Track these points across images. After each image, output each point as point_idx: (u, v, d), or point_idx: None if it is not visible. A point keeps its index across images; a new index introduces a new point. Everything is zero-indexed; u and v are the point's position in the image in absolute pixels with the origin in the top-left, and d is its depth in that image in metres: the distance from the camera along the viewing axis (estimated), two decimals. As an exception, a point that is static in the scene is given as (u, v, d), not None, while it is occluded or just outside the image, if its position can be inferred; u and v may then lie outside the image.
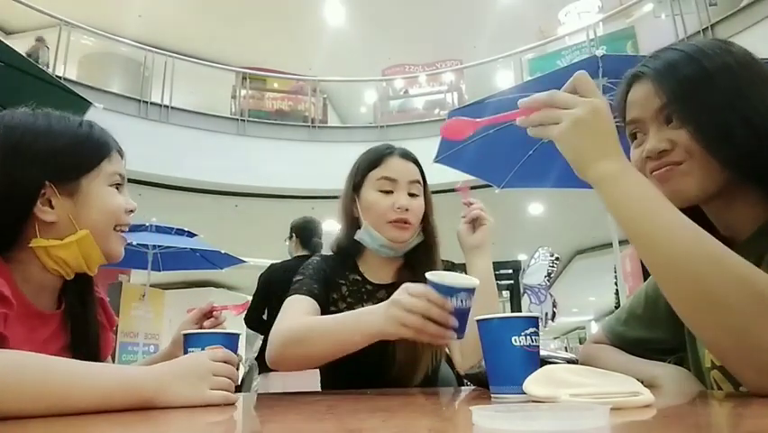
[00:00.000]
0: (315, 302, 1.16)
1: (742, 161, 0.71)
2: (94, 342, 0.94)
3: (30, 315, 0.86)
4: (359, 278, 1.28)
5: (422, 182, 1.26)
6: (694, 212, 0.75)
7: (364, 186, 1.25)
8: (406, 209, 1.20)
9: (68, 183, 0.85)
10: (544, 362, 0.74)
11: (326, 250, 1.38)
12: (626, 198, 0.66)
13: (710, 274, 0.60)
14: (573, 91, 0.72)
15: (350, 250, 1.29)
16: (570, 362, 0.92)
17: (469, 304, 0.86)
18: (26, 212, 0.83)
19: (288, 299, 1.17)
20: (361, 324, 0.93)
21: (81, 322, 0.93)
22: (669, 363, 0.91)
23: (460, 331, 0.85)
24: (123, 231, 0.93)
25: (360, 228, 1.25)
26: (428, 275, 0.85)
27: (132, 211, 0.93)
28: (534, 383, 0.64)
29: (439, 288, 0.84)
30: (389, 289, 1.22)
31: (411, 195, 1.23)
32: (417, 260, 1.24)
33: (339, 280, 1.26)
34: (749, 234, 0.75)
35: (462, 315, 0.85)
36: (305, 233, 3.38)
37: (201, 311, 1.16)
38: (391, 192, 1.22)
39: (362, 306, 1.20)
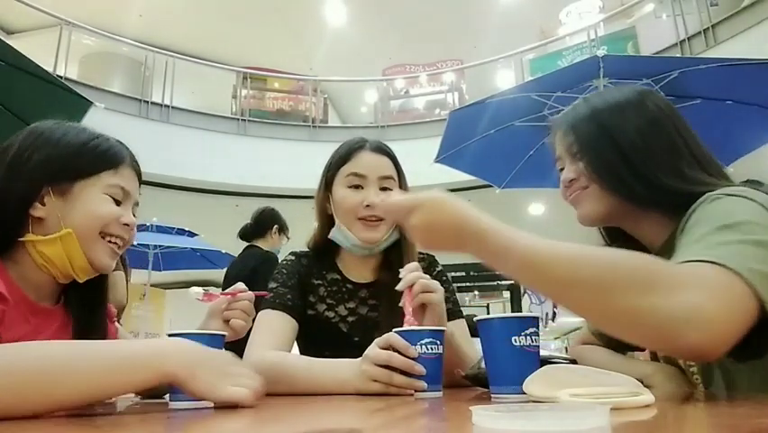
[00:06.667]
0: (290, 316, 1.13)
1: (624, 192, 0.88)
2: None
3: (33, 311, 0.87)
4: (338, 277, 1.23)
5: (397, 177, 1.21)
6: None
7: (335, 182, 1.21)
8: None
9: (62, 185, 0.87)
10: (545, 362, 0.74)
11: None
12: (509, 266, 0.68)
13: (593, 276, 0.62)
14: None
15: (327, 248, 1.24)
16: (570, 362, 0.92)
17: (438, 351, 0.85)
18: (24, 211, 0.85)
19: (262, 312, 1.13)
20: (336, 378, 0.91)
21: (84, 322, 0.94)
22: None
23: (431, 380, 0.83)
24: (114, 243, 0.91)
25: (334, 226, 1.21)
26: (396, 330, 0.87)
27: (126, 225, 0.91)
28: (534, 383, 0.64)
29: (404, 334, 0.85)
30: (370, 288, 1.22)
31: (384, 189, 1.18)
32: (395, 258, 1.19)
33: (315, 281, 1.22)
34: (657, 250, 0.90)
35: (432, 362, 0.84)
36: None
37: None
38: (361, 188, 1.18)
39: (344, 306, 1.20)
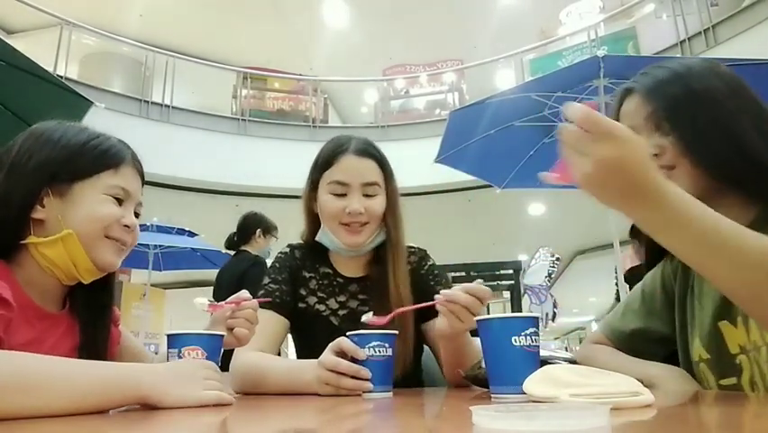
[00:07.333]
0: (279, 314, 1.18)
1: (720, 167, 0.79)
2: (103, 346, 0.94)
3: (39, 317, 0.86)
4: (330, 271, 1.26)
5: (383, 182, 1.21)
6: None
7: (320, 187, 1.22)
8: (360, 213, 1.16)
9: (61, 186, 0.86)
10: (545, 362, 0.74)
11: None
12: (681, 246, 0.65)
13: None
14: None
15: (317, 245, 1.27)
16: (570, 362, 0.92)
17: (387, 353, 0.88)
18: (25, 213, 0.85)
19: None
20: (302, 380, 0.95)
21: (89, 326, 0.93)
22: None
23: (379, 381, 0.87)
24: (119, 243, 0.90)
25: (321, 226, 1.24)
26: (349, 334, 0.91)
27: (127, 226, 0.90)
28: (535, 383, 0.64)
29: (354, 338, 0.89)
30: (360, 282, 1.26)
31: (367, 196, 1.19)
32: (384, 255, 1.22)
33: (307, 274, 1.25)
34: None
35: (380, 364, 0.87)
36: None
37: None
38: (344, 195, 1.18)
39: (335, 300, 1.24)
